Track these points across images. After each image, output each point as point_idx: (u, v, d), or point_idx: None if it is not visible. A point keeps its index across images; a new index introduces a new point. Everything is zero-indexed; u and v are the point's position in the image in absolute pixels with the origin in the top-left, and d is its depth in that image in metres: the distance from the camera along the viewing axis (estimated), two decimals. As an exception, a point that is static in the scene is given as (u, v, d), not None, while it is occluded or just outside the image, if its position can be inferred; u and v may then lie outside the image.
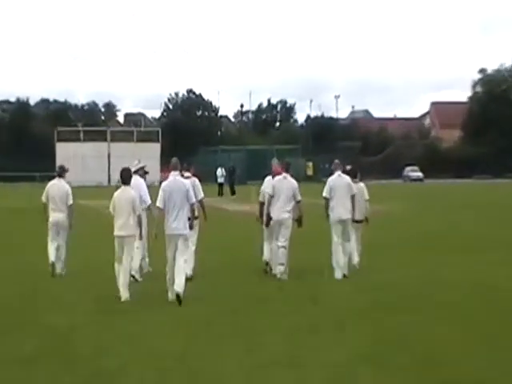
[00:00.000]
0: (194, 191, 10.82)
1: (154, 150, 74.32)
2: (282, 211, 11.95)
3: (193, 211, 10.63)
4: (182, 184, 10.45)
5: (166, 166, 14.63)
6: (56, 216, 12.75)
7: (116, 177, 64.43)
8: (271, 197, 12.09)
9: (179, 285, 9.81)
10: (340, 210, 12.12)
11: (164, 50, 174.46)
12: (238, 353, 7.19)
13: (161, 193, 10.31)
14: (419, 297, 10.04)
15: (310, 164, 72.65)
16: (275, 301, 9.94)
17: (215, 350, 7.30)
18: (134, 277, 11.48)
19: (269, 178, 12.66)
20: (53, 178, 13.74)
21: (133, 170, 11.81)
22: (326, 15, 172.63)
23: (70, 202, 12.90)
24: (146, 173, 12.91)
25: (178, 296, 9.75)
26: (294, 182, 12.20)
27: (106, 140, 75.70)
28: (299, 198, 12.10)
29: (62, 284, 11.66)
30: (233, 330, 8.19)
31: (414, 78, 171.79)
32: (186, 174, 11.97)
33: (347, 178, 12.48)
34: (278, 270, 11.87)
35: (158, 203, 10.29)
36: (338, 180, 12.33)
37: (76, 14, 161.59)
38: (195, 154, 75.37)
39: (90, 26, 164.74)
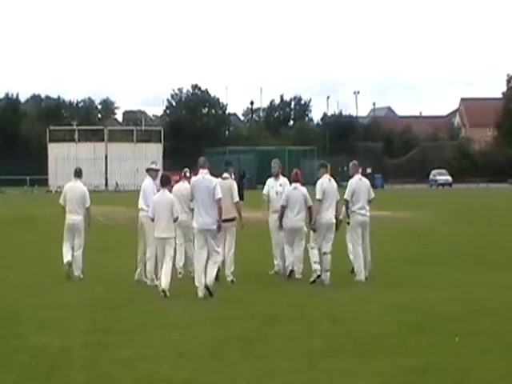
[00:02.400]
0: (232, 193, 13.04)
1: (155, 150, 74.37)
2: (331, 215, 13.26)
3: (219, 209, 11.93)
4: (209, 182, 12.02)
5: (172, 169, 15.33)
6: (72, 218, 13.86)
7: (114, 181, 64.19)
8: (283, 206, 13.69)
9: (209, 277, 11.61)
10: (362, 212, 13.56)
11: (166, 42, 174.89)
12: (249, 380, 7.06)
13: (190, 189, 12.28)
14: (453, 320, 9.78)
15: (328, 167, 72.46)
16: (289, 321, 9.80)
17: (223, 379, 7.17)
18: (180, 273, 13.56)
19: (270, 179, 14.35)
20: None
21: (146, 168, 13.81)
22: (344, 5, 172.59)
23: (88, 204, 13.99)
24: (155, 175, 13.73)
25: (207, 287, 11.56)
26: (304, 189, 13.75)
27: (102, 140, 75.82)
28: (310, 203, 13.56)
29: (53, 295, 11.57)
30: (242, 355, 8.04)
31: (441, 71, 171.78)
32: (224, 175, 13.40)
33: (367, 182, 13.96)
34: (325, 275, 13.06)
35: (190, 197, 12.35)
36: (360, 183, 13.69)
37: (71, 5, 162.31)
38: (201, 156, 75.56)
39: (85, 16, 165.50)
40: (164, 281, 11.73)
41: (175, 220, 12.16)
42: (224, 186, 12.74)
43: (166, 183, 12.37)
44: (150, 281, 12.98)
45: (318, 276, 13.04)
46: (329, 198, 13.23)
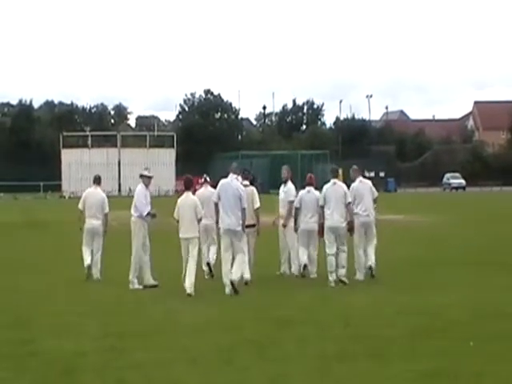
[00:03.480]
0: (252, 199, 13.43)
1: (168, 156, 74.52)
2: (338, 218, 13.45)
3: (244, 216, 12.57)
4: (237, 187, 12.66)
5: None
6: (92, 223, 14.57)
7: (127, 186, 64.18)
8: (297, 208, 14.18)
9: (235, 273, 12.12)
10: (365, 213, 13.97)
11: (178, 47, 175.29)
12: (261, 384, 7.06)
13: (217, 189, 12.77)
14: (465, 324, 9.75)
15: (340, 170, 72.41)
16: (301, 324, 9.80)
17: (237, 382, 7.18)
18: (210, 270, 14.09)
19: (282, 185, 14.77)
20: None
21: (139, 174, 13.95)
22: (355, 9, 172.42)
23: (106, 210, 14.67)
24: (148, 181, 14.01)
25: (232, 284, 12.01)
26: (317, 193, 14.16)
27: (115, 146, 75.91)
28: (321, 203, 13.72)
29: (67, 300, 11.62)
30: (254, 359, 8.05)
31: (454, 74, 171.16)
32: (245, 182, 13.72)
33: (369, 182, 14.54)
34: (340, 272, 13.37)
35: (213, 197, 12.82)
36: (360, 186, 14.24)
37: (82, 10, 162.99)
38: (213, 160, 75.60)
39: (97, 22, 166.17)
40: (188, 281, 12.16)
41: (199, 221, 12.63)
42: (246, 193, 13.02)
43: (189, 186, 12.98)
44: (133, 284, 13.21)
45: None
46: (331, 202, 13.42)
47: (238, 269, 12.28)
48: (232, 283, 12.07)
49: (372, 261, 13.87)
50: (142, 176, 13.84)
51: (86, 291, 13.05)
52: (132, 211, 13.53)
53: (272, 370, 7.55)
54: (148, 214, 13.38)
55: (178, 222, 12.70)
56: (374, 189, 14.38)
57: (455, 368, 7.57)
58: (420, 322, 9.85)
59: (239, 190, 12.62)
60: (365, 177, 14.79)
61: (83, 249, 14.50)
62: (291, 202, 14.25)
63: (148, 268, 13.37)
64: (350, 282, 13.36)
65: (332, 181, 13.71)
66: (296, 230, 14.13)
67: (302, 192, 14.31)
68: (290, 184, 14.72)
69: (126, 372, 7.54)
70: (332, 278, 13.27)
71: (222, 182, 12.82)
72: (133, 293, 12.83)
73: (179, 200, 12.85)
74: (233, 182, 12.72)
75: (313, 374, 7.41)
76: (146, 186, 13.69)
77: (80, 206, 14.81)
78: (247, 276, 13.09)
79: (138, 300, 12.07)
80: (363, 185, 14.29)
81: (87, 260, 14.34)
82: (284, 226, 14.42)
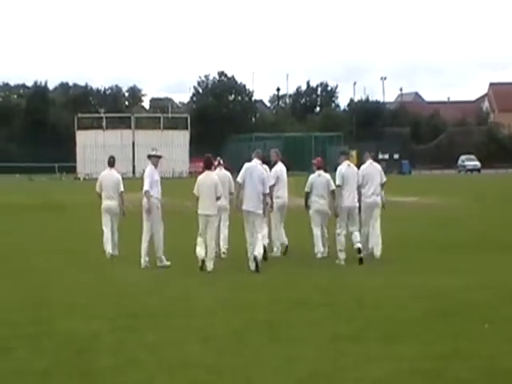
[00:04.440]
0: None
1: (182, 137, 74.50)
2: (353, 200, 13.86)
3: (265, 197, 13.11)
4: (262, 171, 13.23)
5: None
6: (108, 203, 15.07)
7: (141, 167, 64.48)
8: (306, 193, 14.44)
9: (258, 250, 12.60)
10: (372, 195, 14.27)
11: (192, 29, 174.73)
12: (274, 365, 7.07)
13: (242, 171, 13.10)
14: (480, 306, 9.71)
15: (354, 153, 72.18)
16: (314, 306, 9.79)
17: (250, 362, 7.19)
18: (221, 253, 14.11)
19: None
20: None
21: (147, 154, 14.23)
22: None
23: (121, 189, 15.15)
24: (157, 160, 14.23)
25: (256, 261, 12.51)
26: (327, 175, 14.39)
27: (130, 127, 76.00)
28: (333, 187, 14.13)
29: (81, 281, 11.67)
30: (267, 340, 8.05)
31: (469, 56, 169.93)
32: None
33: (378, 166, 14.82)
34: (357, 245, 13.65)
35: (238, 179, 13.08)
36: (370, 169, 14.54)
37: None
38: (227, 142, 75.57)
39: (111, 4, 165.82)
40: (208, 260, 12.82)
41: (218, 198, 13.08)
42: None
43: (209, 165, 13.44)
44: (159, 261, 13.46)
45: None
46: (349, 183, 13.77)
47: (259, 245, 12.72)
48: (255, 260, 12.58)
49: (374, 242, 14.12)
50: (150, 156, 14.01)
51: (101, 272, 13.11)
52: (147, 188, 13.55)
53: (285, 351, 7.55)
54: (146, 191, 13.44)
55: (197, 198, 13.04)
56: (382, 173, 14.70)
57: (470, 349, 7.55)
58: (433, 304, 9.81)
59: (264, 174, 13.24)
60: (376, 160, 15.09)
61: (104, 232, 14.93)
62: (271, 185, 13.93)
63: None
64: (365, 264, 13.37)
65: (346, 162, 13.99)
66: (308, 210, 14.50)
67: (312, 176, 14.51)
68: (277, 166, 14.91)
69: (139, 352, 7.57)
70: (342, 256, 13.53)
71: (248, 165, 13.27)
72: (147, 273, 12.89)
73: (199, 178, 13.23)
74: (257, 167, 13.26)
75: (326, 355, 7.40)
76: (155, 165, 13.83)
77: (97, 189, 15.28)
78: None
79: (152, 281, 12.11)
80: (372, 167, 14.60)
81: (108, 248, 14.72)
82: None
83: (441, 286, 11.19)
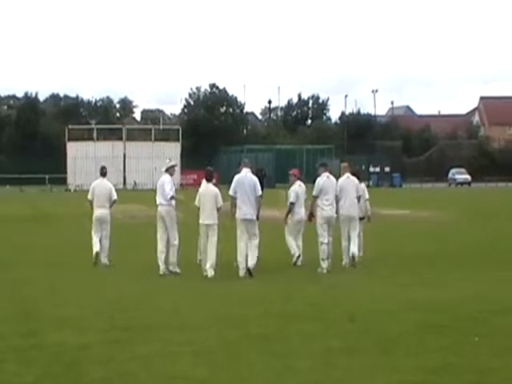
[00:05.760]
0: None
1: (173, 149, 74.10)
2: (333, 210, 14.38)
3: (259, 203, 13.70)
4: (251, 178, 13.77)
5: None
6: (100, 212, 15.57)
7: (132, 179, 64.74)
8: (292, 204, 15.03)
9: (250, 261, 13.29)
10: (348, 208, 14.63)
11: (183, 41, 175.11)
12: (267, 378, 7.03)
13: (233, 184, 13.72)
14: (471, 319, 9.70)
15: (346, 164, 72.18)
16: (307, 319, 9.76)
17: (242, 375, 7.15)
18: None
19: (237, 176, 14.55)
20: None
21: (163, 169, 14.80)
22: (361, 3, 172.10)
23: (115, 197, 15.75)
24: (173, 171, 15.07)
25: (249, 270, 13.19)
26: (304, 186, 15.22)
27: (121, 139, 75.76)
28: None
29: (72, 293, 11.60)
30: (260, 354, 8.01)
31: (460, 70, 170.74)
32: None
33: (355, 180, 15.10)
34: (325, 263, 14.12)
35: (230, 192, 13.67)
36: (347, 181, 14.88)
37: (89, 3, 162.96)
38: (218, 154, 75.51)
39: (102, 15, 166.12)
40: (209, 265, 13.42)
41: (219, 209, 13.76)
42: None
43: (210, 177, 14.10)
44: (172, 267, 14.11)
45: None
46: (328, 193, 14.31)
47: (253, 254, 13.41)
48: (248, 269, 13.26)
49: (353, 251, 14.55)
50: (168, 169, 14.58)
51: (91, 284, 13.05)
52: (161, 200, 14.23)
53: (278, 364, 7.52)
54: (172, 197, 14.12)
55: (198, 209, 13.75)
56: (359, 186, 15.13)
57: (461, 363, 7.53)
58: (425, 316, 9.81)
59: (253, 179, 13.80)
60: (355, 174, 15.52)
61: (92, 236, 15.38)
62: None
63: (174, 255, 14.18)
64: (356, 277, 13.42)
65: (325, 174, 14.57)
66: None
67: (293, 187, 15.12)
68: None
69: (130, 365, 7.52)
70: (325, 265, 14.03)
71: (238, 176, 13.83)
72: (139, 285, 12.83)
73: (200, 189, 13.94)
74: (247, 175, 13.81)
75: (319, 368, 7.38)
76: (171, 175, 14.56)
77: (89, 196, 15.79)
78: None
79: (145, 292, 12.06)
80: (349, 181, 14.99)
81: (96, 247, 15.18)
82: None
83: (432, 298, 11.18)
